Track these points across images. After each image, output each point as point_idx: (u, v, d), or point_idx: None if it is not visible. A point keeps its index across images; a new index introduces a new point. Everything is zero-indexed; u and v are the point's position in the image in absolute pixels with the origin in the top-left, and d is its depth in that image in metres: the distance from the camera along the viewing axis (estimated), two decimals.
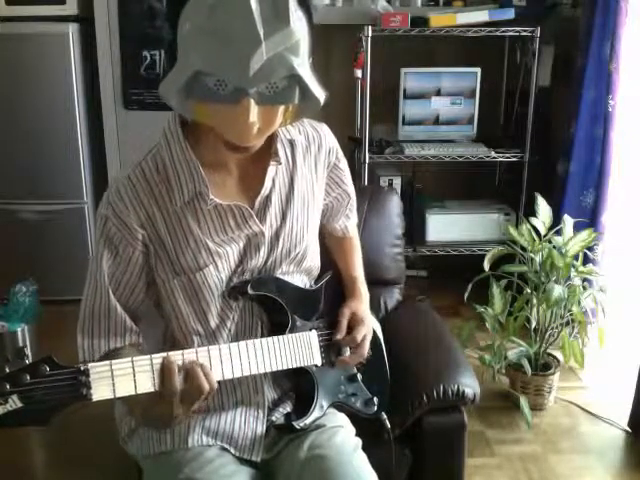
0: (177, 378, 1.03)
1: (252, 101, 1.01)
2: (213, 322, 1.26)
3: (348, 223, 1.50)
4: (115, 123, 3.28)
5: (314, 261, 1.39)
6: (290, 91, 1.05)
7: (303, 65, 1.04)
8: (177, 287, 1.22)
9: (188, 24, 1.02)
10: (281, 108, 1.07)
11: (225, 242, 1.22)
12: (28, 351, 2.52)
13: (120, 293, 1.20)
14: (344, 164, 1.42)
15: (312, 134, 1.33)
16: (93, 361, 1.08)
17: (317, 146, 1.33)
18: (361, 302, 1.42)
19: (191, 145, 1.18)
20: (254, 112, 1.02)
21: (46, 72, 3.09)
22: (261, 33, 0.98)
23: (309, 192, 1.32)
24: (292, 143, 1.29)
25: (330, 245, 1.51)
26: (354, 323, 1.36)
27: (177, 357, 1.06)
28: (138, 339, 1.22)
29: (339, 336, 1.34)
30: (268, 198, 1.25)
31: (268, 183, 1.24)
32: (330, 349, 1.35)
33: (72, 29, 3.06)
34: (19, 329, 2.53)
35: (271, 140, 1.23)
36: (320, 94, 1.09)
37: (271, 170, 1.24)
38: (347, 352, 1.35)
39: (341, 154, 1.40)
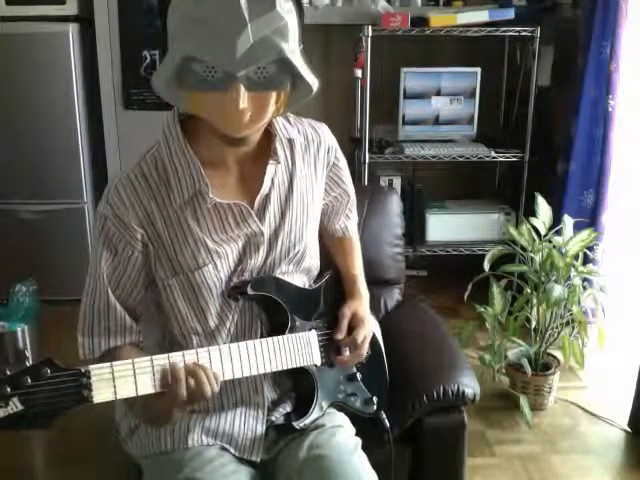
0: (184, 385, 1.03)
1: (242, 87, 1.02)
2: (212, 322, 1.26)
3: (348, 223, 1.50)
4: (115, 123, 3.27)
5: (313, 260, 1.39)
6: (280, 77, 1.06)
7: (293, 51, 1.05)
8: (176, 286, 1.22)
9: (176, 14, 1.03)
10: (273, 96, 1.08)
11: (224, 241, 1.22)
12: (28, 353, 2.52)
13: (120, 292, 1.20)
14: (343, 163, 1.42)
15: (311, 134, 1.33)
16: (93, 359, 1.08)
17: (316, 146, 1.33)
18: (361, 302, 1.42)
19: (190, 143, 1.18)
20: (244, 98, 1.03)
21: (46, 72, 3.09)
22: (246, 16, 0.99)
23: (308, 192, 1.32)
24: (291, 143, 1.28)
25: (330, 245, 1.50)
26: (354, 324, 1.36)
27: (178, 358, 1.06)
28: (138, 338, 1.22)
29: (339, 336, 1.34)
30: (267, 197, 1.25)
31: (267, 182, 1.24)
32: (330, 349, 1.35)
33: (72, 29, 3.06)
34: (19, 329, 2.53)
35: (270, 139, 1.23)
36: (312, 80, 1.09)
37: (270, 169, 1.24)
38: (346, 352, 1.36)
39: (340, 153, 1.40)
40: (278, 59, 1.03)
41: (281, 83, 1.06)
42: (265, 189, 1.24)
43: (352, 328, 1.36)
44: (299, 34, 1.07)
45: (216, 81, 1.03)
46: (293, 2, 1.06)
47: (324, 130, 1.37)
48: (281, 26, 1.02)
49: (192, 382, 1.04)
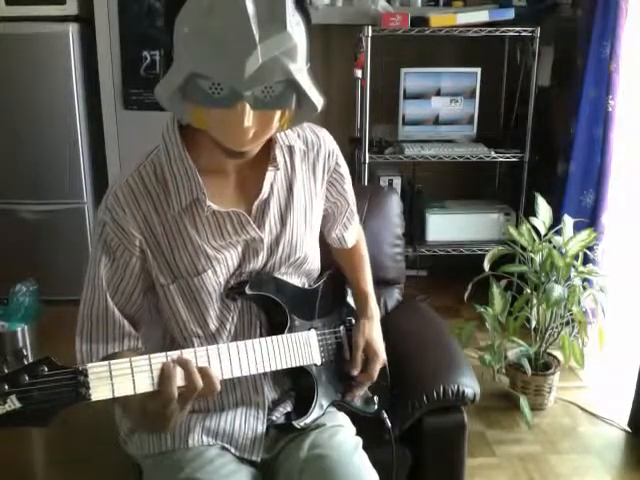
0: (176, 383, 1.02)
1: (247, 105, 1.01)
2: (212, 325, 1.25)
3: (345, 234, 1.48)
4: (115, 123, 3.27)
5: (314, 264, 1.39)
6: (286, 96, 1.04)
7: (300, 70, 1.03)
8: (176, 291, 1.22)
9: (184, 26, 1.01)
10: (277, 113, 1.06)
11: (223, 247, 1.22)
12: (28, 352, 2.52)
13: (118, 298, 1.19)
14: (344, 170, 1.40)
15: (311, 139, 1.32)
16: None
17: (316, 151, 1.32)
18: (373, 323, 1.42)
19: (189, 150, 1.17)
20: (249, 116, 1.01)
21: (46, 72, 3.09)
22: (257, 36, 0.96)
23: (308, 197, 1.32)
24: (291, 149, 1.28)
25: (338, 258, 1.51)
26: (369, 356, 1.37)
27: (175, 357, 1.05)
28: (137, 344, 1.22)
29: (355, 372, 1.36)
30: (266, 204, 1.24)
31: (266, 188, 1.23)
32: (329, 351, 1.35)
33: (72, 29, 3.06)
34: (19, 329, 2.53)
35: (269, 146, 1.22)
36: (318, 100, 1.08)
37: (269, 175, 1.23)
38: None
39: (342, 160, 1.38)
40: (285, 79, 1.02)
41: (286, 102, 1.05)
42: (264, 194, 1.23)
43: (367, 359, 1.37)
44: (307, 52, 1.05)
45: (222, 98, 1.01)
46: (301, 15, 1.03)
47: (325, 135, 1.35)
48: (290, 47, 1.00)
49: (183, 375, 1.03)
